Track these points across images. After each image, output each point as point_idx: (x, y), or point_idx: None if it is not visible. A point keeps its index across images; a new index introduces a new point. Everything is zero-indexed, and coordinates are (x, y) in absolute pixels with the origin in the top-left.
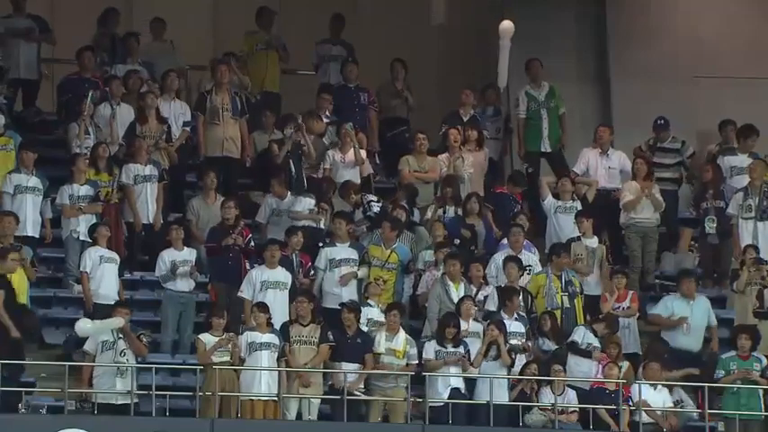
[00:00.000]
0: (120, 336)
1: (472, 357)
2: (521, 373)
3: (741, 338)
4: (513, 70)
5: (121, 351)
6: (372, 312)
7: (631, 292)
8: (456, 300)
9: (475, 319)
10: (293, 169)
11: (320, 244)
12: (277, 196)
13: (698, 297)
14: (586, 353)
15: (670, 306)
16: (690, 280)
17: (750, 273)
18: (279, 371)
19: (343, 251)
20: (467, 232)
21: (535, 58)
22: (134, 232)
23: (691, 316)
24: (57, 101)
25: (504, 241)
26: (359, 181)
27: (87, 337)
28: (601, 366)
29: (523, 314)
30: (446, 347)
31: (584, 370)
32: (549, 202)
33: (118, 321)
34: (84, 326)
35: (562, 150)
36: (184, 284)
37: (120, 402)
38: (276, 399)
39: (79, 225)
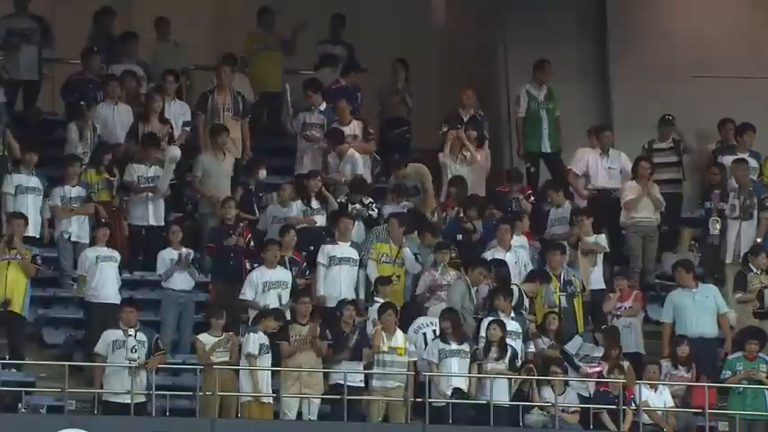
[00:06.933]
0: (131, 333)
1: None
2: (519, 373)
3: (751, 344)
4: (513, 70)
5: (132, 347)
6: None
7: (635, 292)
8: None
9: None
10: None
11: (311, 247)
12: (280, 203)
13: (700, 285)
14: (575, 366)
15: (672, 302)
16: (682, 269)
17: (760, 275)
18: (280, 371)
19: (344, 250)
20: (470, 226)
21: (546, 60)
22: (134, 232)
23: (693, 305)
24: (64, 101)
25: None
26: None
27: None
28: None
29: (522, 312)
30: (450, 344)
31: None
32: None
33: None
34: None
35: (560, 152)
36: (184, 283)
37: (128, 401)
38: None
39: (71, 226)
